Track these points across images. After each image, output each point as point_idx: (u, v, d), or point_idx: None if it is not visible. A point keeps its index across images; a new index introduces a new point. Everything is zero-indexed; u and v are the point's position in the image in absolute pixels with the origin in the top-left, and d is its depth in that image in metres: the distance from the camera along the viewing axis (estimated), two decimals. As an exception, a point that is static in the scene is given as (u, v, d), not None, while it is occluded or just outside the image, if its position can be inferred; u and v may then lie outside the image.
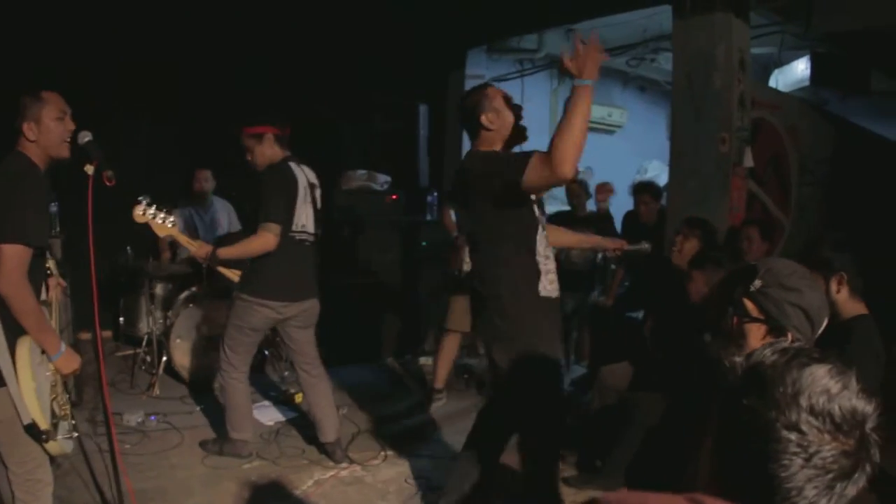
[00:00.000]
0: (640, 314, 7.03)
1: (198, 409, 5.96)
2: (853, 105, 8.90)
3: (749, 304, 2.46)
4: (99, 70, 7.13)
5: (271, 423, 5.70)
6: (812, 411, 1.05)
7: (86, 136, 3.45)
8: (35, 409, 3.09)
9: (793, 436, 1.03)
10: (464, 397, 6.57)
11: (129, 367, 6.77)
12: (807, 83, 8.04)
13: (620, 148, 11.17)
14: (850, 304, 3.44)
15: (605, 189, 7.98)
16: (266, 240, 4.55)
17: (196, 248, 4.61)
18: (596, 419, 5.04)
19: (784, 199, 7.02)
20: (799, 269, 2.54)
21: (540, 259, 3.53)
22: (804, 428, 1.04)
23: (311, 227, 4.87)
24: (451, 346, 6.29)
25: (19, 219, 2.99)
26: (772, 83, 8.40)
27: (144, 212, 4.41)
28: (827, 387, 1.07)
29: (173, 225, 4.48)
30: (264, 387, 6.30)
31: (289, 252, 4.70)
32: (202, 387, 6.25)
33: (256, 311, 4.75)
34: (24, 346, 3.14)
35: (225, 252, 4.68)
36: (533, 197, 3.51)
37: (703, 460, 1.23)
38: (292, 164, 4.78)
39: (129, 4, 7.10)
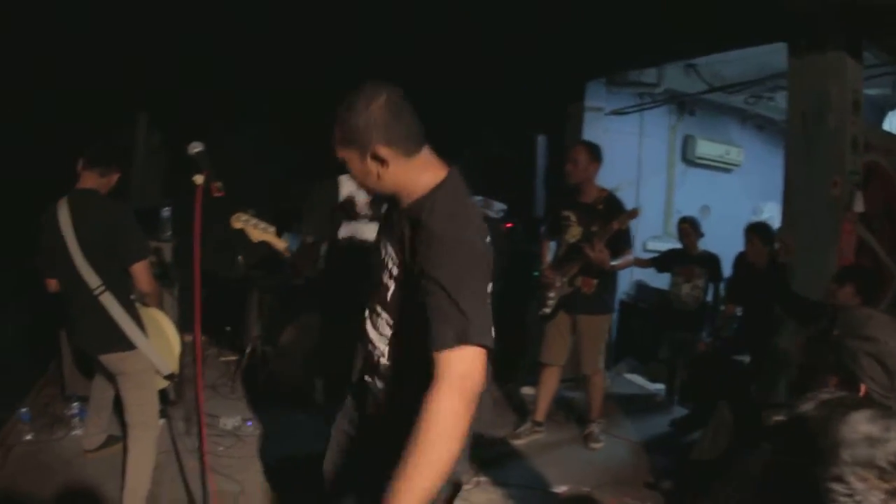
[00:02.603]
0: (745, 358, 6.97)
1: (295, 417, 6.08)
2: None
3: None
4: (220, 81, 7.53)
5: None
6: (855, 461, 1.06)
7: (196, 147, 3.55)
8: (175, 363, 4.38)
9: (839, 486, 1.05)
10: (563, 430, 6.59)
11: (232, 372, 7.01)
12: (922, 125, 7.82)
13: (736, 187, 11.01)
14: None
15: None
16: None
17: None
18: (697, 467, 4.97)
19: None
20: (876, 315, 2.50)
21: None
22: (849, 478, 1.05)
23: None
24: (550, 380, 6.30)
25: None
26: (886, 126, 8.20)
27: (238, 218, 4.56)
28: (868, 433, 1.08)
29: (266, 231, 4.61)
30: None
31: None
32: (302, 396, 6.39)
33: None
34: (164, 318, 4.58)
35: None
36: None
37: None
38: (346, 176, 4.76)
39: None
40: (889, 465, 1.05)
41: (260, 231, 4.57)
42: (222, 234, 4.37)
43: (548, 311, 6.16)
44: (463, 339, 2.09)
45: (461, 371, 2.09)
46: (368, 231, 4.81)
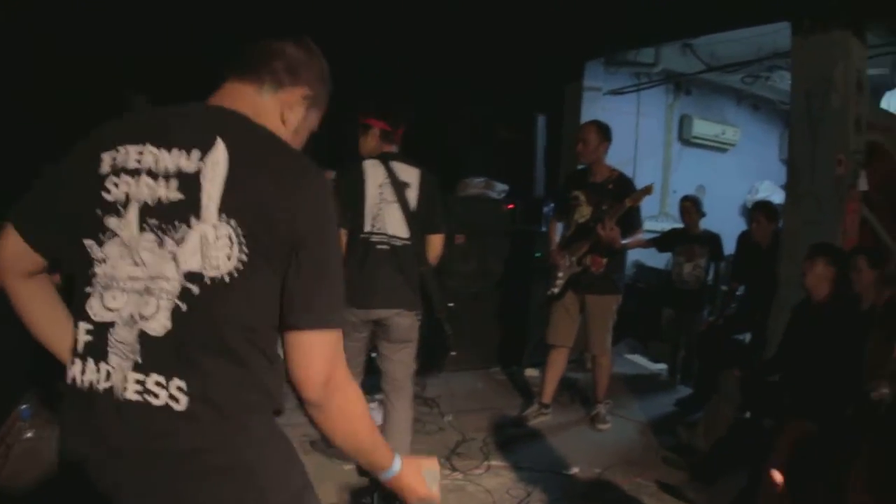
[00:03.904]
0: (746, 336, 7.02)
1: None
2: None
3: None
4: (218, 63, 7.33)
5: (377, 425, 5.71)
6: None
7: None
8: None
9: None
10: (568, 411, 6.61)
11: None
12: (920, 105, 7.83)
13: (732, 167, 11.07)
14: None
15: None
16: None
17: None
18: (716, 439, 5.04)
19: (894, 225, 6.85)
20: None
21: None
22: None
23: (392, 230, 4.53)
24: (558, 362, 6.27)
25: None
26: (883, 105, 8.20)
27: None
28: None
29: None
30: (371, 389, 6.25)
31: (357, 255, 4.48)
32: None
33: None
34: None
35: None
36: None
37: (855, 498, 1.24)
38: (370, 162, 4.56)
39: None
40: None
41: None
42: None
43: (556, 290, 6.12)
44: None
45: None
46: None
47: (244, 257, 1.64)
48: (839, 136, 5.90)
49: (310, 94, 2.00)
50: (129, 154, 1.74)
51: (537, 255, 7.65)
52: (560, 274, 6.10)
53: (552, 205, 7.03)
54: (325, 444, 5.11)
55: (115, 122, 1.86)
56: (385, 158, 4.56)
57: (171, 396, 1.64)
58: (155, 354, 1.66)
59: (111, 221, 1.72)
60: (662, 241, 7.92)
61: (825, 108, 5.95)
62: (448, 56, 8.08)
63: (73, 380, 1.74)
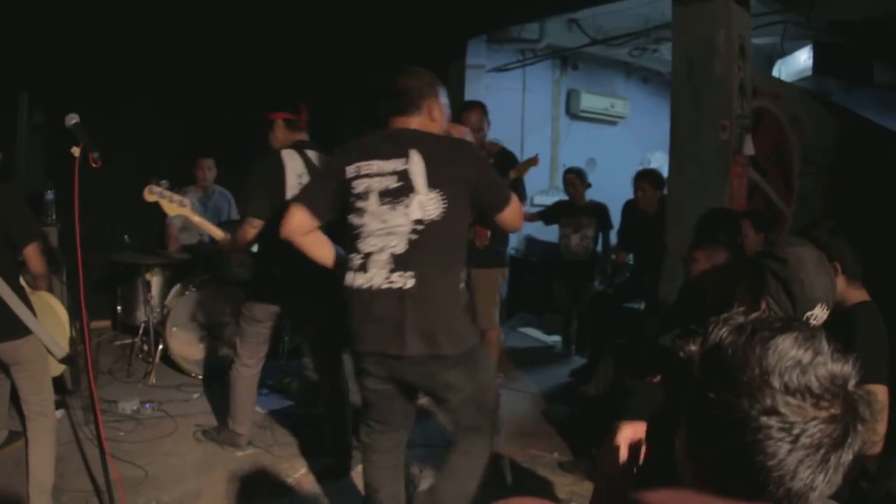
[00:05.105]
0: (640, 304, 7.04)
1: (193, 397, 5.95)
2: (856, 96, 8.80)
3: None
4: (103, 59, 7.18)
5: (265, 412, 5.67)
6: (787, 390, 0.97)
7: (72, 119, 3.48)
8: (66, 344, 4.18)
9: (773, 421, 0.96)
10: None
11: (127, 355, 6.75)
12: (809, 73, 7.91)
13: (623, 139, 11.14)
14: (850, 292, 3.20)
15: None
16: (244, 231, 4.37)
17: (218, 232, 4.56)
18: (592, 405, 5.04)
19: (786, 190, 6.95)
20: (799, 242, 2.51)
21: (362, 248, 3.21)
22: (783, 410, 0.96)
23: None
24: None
25: None
26: (775, 73, 8.30)
27: (151, 191, 4.33)
28: (797, 358, 0.99)
29: (182, 205, 4.36)
30: (261, 376, 6.21)
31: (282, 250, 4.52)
32: (198, 375, 6.29)
33: (259, 303, 4.80)
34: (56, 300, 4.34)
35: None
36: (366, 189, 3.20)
37: (680, 463, 1.15)
38: (286, 152, 4.54)
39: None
40: (823, 391, 0.96)
41: (175, 205, 4.34)
42: (107, 214, 4.15)
43: None
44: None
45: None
46: None
47: (444, 205, 3.08)
48: (723, 102, 5.91)
49: (444, 101, 3.42)
50: (362, 165, 3.17)
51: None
52: None
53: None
54: (216, 434, 5.14)
55: (350, 146, 3.28)
56: (299, 147, 4.60)
57: (405, 282, 3.07)
58: (398, 262, 3.08)
59: (360, 203, 3.16)
60: (548, 214, 7.96)
61: (708, 74, 5.96)
62: (329, 38, 7.97)
63: (352, 285, 3.19)
